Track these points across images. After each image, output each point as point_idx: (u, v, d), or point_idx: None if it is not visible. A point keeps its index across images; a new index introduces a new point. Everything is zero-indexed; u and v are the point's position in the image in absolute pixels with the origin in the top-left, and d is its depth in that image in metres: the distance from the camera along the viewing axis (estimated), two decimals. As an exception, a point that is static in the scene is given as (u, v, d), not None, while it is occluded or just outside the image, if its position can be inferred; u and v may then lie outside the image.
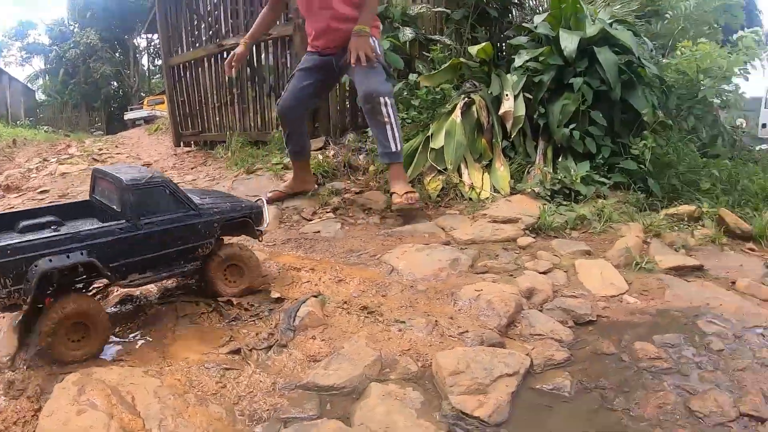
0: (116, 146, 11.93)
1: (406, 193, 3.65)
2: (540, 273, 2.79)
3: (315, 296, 2.48)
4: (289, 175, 4.56)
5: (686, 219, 3.59)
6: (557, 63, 4.39)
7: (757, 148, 6.40)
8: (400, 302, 2.49)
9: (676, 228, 3.45)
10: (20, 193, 6.55)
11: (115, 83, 35.76)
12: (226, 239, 2.66)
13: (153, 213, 2.25)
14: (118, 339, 2.27)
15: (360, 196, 4.34)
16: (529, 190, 3.99)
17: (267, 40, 6.84)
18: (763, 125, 12.61)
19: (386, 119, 3.62)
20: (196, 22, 8.43)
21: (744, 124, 6.32)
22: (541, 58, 4.50)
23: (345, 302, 2.48)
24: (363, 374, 1.90)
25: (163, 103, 22.93)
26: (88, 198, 2.61)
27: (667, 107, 4.61)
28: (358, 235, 3.58)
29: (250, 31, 4.28)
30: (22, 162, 9.72)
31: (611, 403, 1.77)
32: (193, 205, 2.37)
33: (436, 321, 2.27)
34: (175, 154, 8.76)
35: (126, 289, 2.55)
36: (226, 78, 7.71)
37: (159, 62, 35.07)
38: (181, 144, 9.11)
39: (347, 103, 6.37)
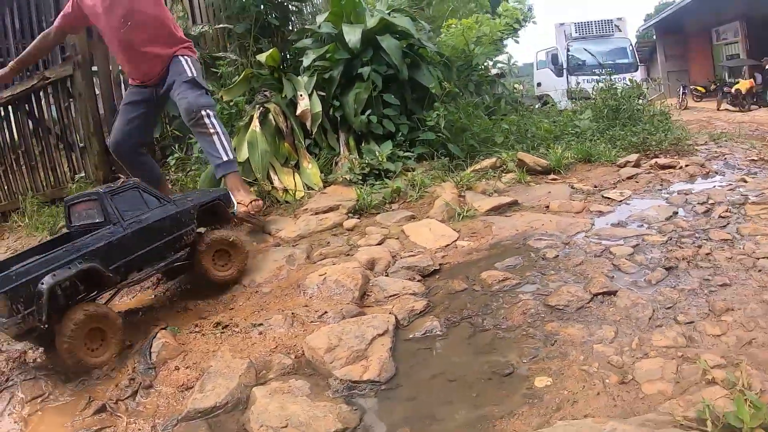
0: None
1: (252, 201, 3.45)
2: (374, 246, 2.85)
3: (164, 328, 2.29)
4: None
5: (490, 170, 3.96)
6: (344, 57, 4.54)
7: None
8: (252, 309, 2.42)
9: (484, 179, 3.78)
10: None
11: None
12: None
13: (133, 212, 2.40)
14: None
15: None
16: (341, 179, 4.08)
17: (46, 85, 6.17)
18: (538, 84, 14.21)
19: (212, 130, 3.45)
20: None
21: (522, 87, 7.03)
22: (327, 55, 4.63)
23: (196, 325, 2.34)
24: (241, 384, 1.80)
25: None
26: (66, 231, 2.66)
27: (450, 79, 4.98)
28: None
29: (21, 56, 3.89)
30: None
31: (481, 326, 1.87)
32: (167, 198, 2.57)
33: (292, 313, 2.23)
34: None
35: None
36: (6, 137, 6.87)
37: None
38: None
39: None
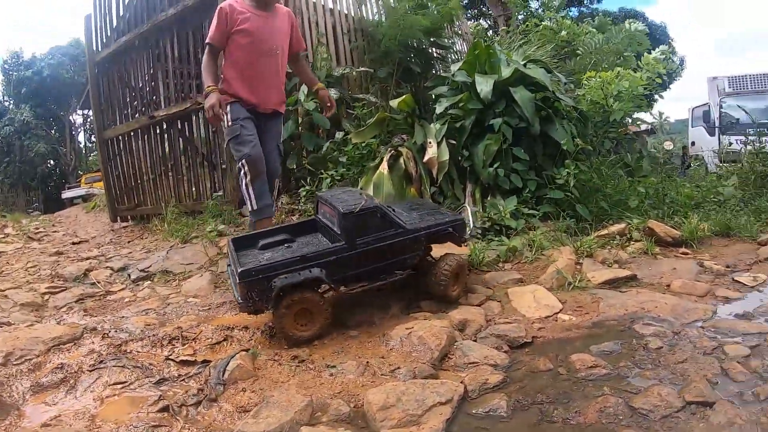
0: (53, 225, 11.58)
1: None
2: (473, 306, 2.76)
3: (245, 350, 2.40)
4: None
5: (617, 237, 3.65)
6: (476, 107, 4.52)
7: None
8: (332, 349, 2.43)
9: (608, 246, 3.49)
10: None
11: (52, 161, 34.71)
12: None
13: (366, 234, 2.67)
14: (46, 406, 2.25)
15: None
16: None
17: (197, 109, 6.85)
18: (692, 143, 12.97)
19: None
20: (128, 96, 8.43)
21: (672, 146, 6.54)
22: (460, 104, 4.64)
23: (276, 354, 2.41)
24: (293, 419, 1.82)
25: (100, 180, 22.50)
26: (313, 217, 3.18)
27: (585, 135, 4.74)
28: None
29: (212, 78, 3.95)
30: None
31: (550, 416, 1.70)
32: (401, 224, 2.75)
33: (367, 362, 2.21)
34: (112, 230, 8.52)
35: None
36: (159, 150, 7.68)
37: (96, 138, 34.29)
38: (118, 219, 8.89)
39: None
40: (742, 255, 3.31)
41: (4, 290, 4.66)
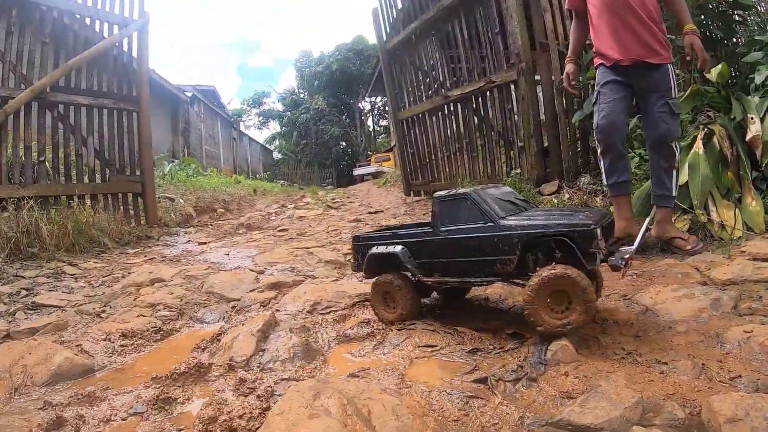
0: (348, 197, 13.13)
1: (690, 237, 3.76)
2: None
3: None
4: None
5: None
6: (801, 74, 3.92)
7: None
8: (658, 344, 2.43)
9: None
10: (261, 231, 7.59)
11: (344, 143, 39.67)
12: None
13: (454, 223, 2.62)
14: (351, 357, 2.58)
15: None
16: (790, 225, 3.63)
17: (491, 88, 7.15)
18: None
19: (676, 164, 3.61)
20: (420, 78, 9.05)
21: None
22: (784, 72, 4.07)
23: (597, 339, 2.47)
24: (623, 416, 1.77)
25: (389, 160, 24.77)
26: None
27: None
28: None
29: (571, 48, 4.00)
30: (262, 207, 11.25)
31: None
32: (493, 218, 2.49)
33: (702, 364, 2.17)
34: (406, 203, 9.40)
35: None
36: (453, 129, 8.16)
37: (383, 122, 38.07)
38: (411, 193, 9.77)
39: (578, 144, 6.34)
40: None
41: (309, 248, 5.47)
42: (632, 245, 2.62)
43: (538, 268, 2.38)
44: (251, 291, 3.85)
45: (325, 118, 37.17)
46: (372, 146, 38.12)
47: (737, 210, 3.98)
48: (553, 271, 2.27)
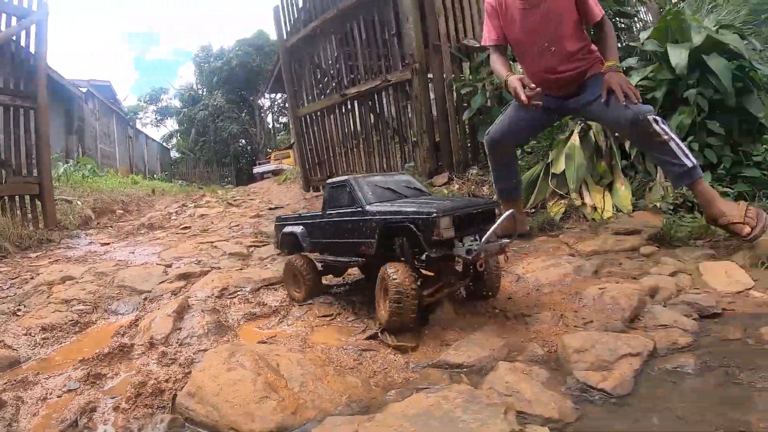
0: (248, 195, 13.04)
1: (747, 214, 3.09)
2: (664, 276, 2.88)
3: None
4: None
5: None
6: (667, 77, 4.41)
7: None
8: (527, 303, 2.72)
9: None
10: (164, 230, 7.52)
11: (243, 141, 38.75)
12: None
13: (335, 207, 2.85)
14: (259, 330, 2.82)
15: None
16: (651, 205, 4.05)
17: (387, 86, 7.36)
18: None
19: (664, 136, 3.13)
20: (319, 77, 9.18)
21: None
22: (651, 75, 4.55)
23: (474, 305, 2.74)
24: (491, 355, 2.10)
25: (289, 157, 24.52)
26: None
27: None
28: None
29: (503, 69, 3.70)
30: (162, 208, 11.03)
31: (736, 378, 1.82)
32: (361, 204, 2.64)
33: (561, 314, 2.47)
34: (305, 199, 9.47)
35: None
36: (350, 126, 8.34)
37: (283, 119, 37.64)
38: (311, 189, 9.83)
39: (468, 139, 6.72)
40: None
41: (213, 242, 5.60)
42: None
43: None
44: (161, 282, 3.91)
45: (224, 114, 36.12)
46: (272, 144, 37.35)
47: (608, 194, 4.40)
48: (382, 269, 2.44)
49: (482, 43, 3.86)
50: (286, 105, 27.28)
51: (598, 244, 3.54)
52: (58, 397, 2.14)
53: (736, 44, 4.20)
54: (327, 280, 3.46)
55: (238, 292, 3.45)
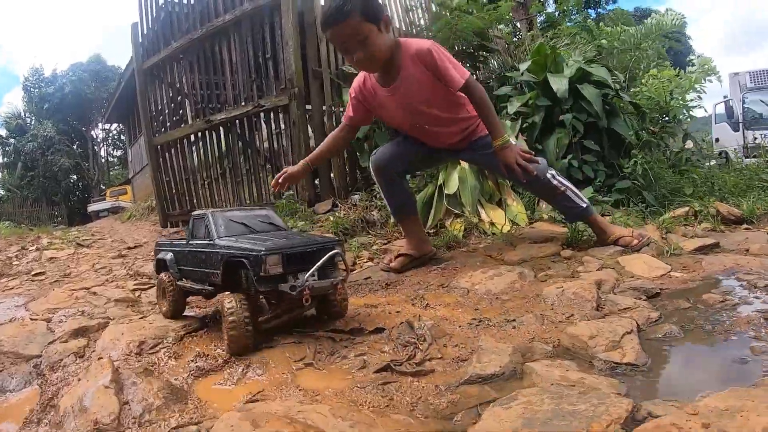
0: (92, 234, 11.80)
1: (634, 233, 3.72)
2: (596, 271, 3.33)
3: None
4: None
5: (684, 218, 4.32)
6: (545, 104, 5.12)
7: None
8: (498, 311, 2.88)
9: (681, 225, 4.14)
10: (12, 278, 6.45)
11: (75, 176, 35.32)
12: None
13: (196, 238, 3.00)
14: (223, 387, 2.31)
15: (391, 245, 4.83)
16: (546, 216, 4.60)
17: (259, 112, 7.28)
18: (716, 140, 12.91)
19: (561, 188, 3.63)
20: (179, 101, 8.81)
21: (692, 145, 7.05)
22: (530, 102, 5.22)
23: (446, 319, 2.82)
24: (511, 360, 2.12)
25: (126, 194, 22.95)
26: None
27: (643, 129, 5.38)
28: (409, 275, 3.94)
29: (313, 154, 3.86)
30: None
31: (713, 331, 2.27)
32: (212, 237, 2.81)
33: (541, 314, 2.71)
34: (163, 236, 8.85)
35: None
36: (216, 154, 8.06)
37: (117, 153, 34.91)
38: (169, 225, 9.23)
39: (347, 167, 6.93)
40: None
41: (89, 287, 4.80)
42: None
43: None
44: (52, 342, 3.18)
45: (54, 147, 32.61)
46: (106, 179, 34.58)
47: (501, 210, 4.88)
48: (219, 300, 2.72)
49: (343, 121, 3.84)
50: (123, 137, 25.40)
51: (522, 253, 3.92)
52: None
53: (604, 76, 5.05)
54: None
55: (160, 345, 2.85)
